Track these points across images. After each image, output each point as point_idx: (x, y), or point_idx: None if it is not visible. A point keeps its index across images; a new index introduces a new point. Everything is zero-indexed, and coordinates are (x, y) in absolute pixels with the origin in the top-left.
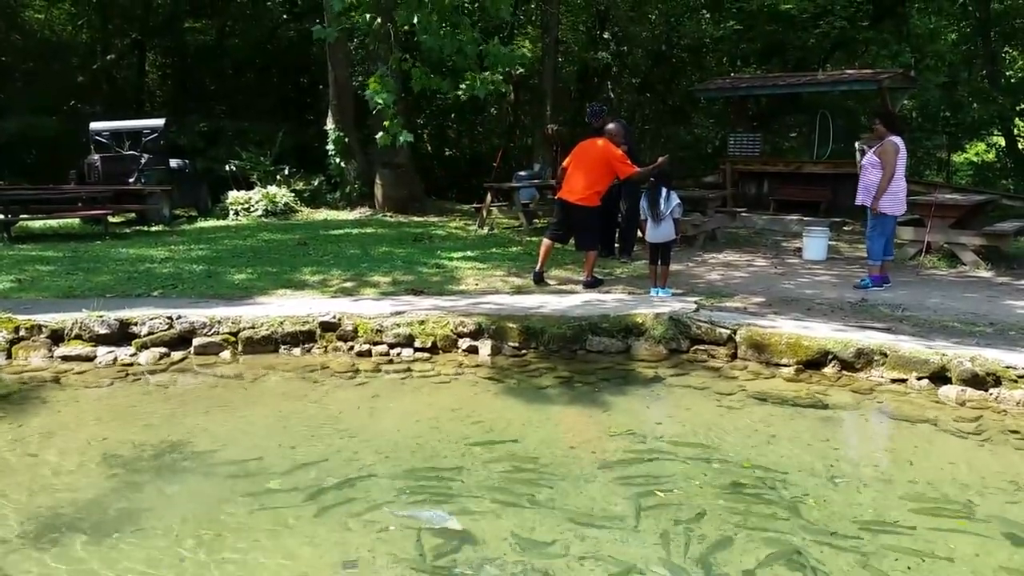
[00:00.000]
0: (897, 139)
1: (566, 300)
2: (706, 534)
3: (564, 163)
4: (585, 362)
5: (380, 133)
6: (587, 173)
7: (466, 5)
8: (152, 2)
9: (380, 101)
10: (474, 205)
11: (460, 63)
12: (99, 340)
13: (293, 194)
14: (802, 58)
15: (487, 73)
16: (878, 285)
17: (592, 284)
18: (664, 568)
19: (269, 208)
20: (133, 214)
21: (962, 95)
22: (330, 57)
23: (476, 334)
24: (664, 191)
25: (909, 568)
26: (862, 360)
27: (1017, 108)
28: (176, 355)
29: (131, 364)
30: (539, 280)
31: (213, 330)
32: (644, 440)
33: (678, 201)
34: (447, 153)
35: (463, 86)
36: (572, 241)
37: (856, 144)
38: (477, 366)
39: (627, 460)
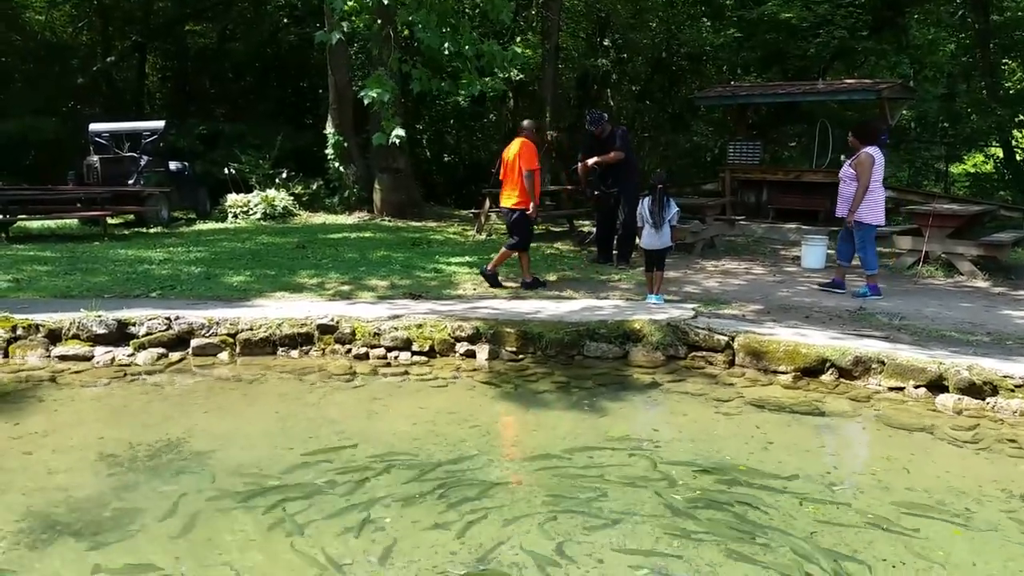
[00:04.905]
0: (873, 150)
1: (563, 305)
2: (702, 539)
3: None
4: (582, 367)
5: (377, 133)
6: (510, 177)
7: (467, 11)
8: (153, 5)
9: (375, 95)
10: (472, 211)
11: (460, 65)
12: (97, 340)
13: (292, 198)
14: (802, 67)
15: (487, 79)
16: (876, 294)
17: (531, 286)
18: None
19: (268, 211)
20: (132, 216)
21: (961, 106)
22: (330, 61)
23: (473, 338)
24: (666, 198)
25: None
26: (860, 368)
27: (1015, 119)
28: (174, 356)
29: (129, 364)
30: (493, 281)
31: (211, 331)
32: (641, 446)
33: (677, 209)
34: (446, 159)
35: (462, 83)
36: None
37: (842, 158)
38: (474, 370)
39: (624, 465)
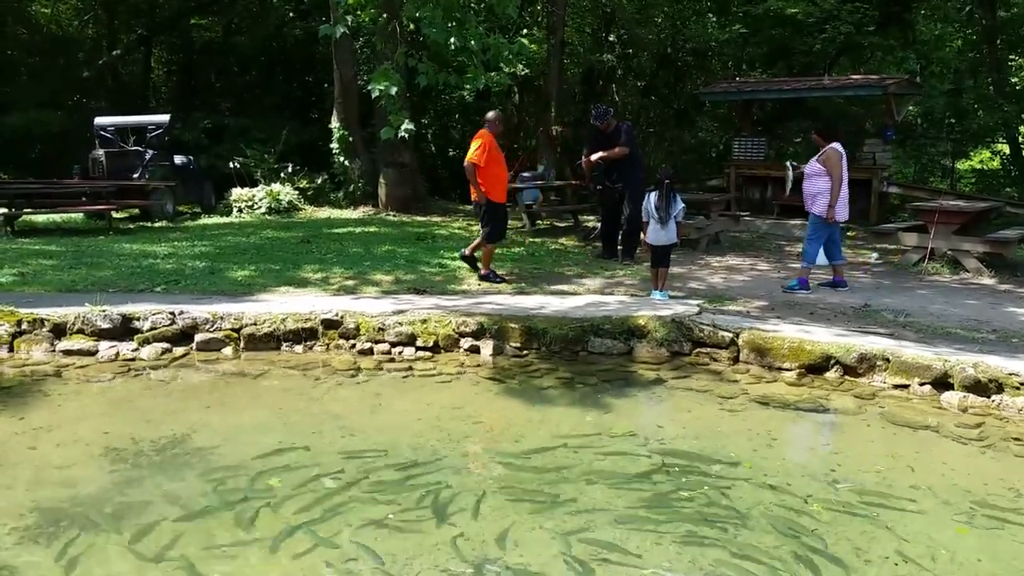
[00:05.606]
0: (838, 146)
1: (568, 301)
2: (706, 536)
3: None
4: (587, 363)
5: (384, 127)
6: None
7: (472, 5)
8: None
9: (382, 88)
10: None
11: (466, 59)
12: (101, 335)
13: (297, 192)
14: (808, 63)
15: (492, 74)
16: (805, 288)
17: (485, 278)
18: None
19: (272, 206)
20: (137, 210)
21: (967, 102)
22: (335, 55)
23: (478, 334)
24: (673, 193)
25: (910, 573)
26: (864, 365)
27: (1022, 116)
28: (178, 351)
29: (133, 359)
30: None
31: (215, 326)
32: (645, 442)
33: (682, 205)
34: (451, 153)
35: (467, 77)
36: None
37: (787, 163)
38: (479, 366)
39: (629, 462)
